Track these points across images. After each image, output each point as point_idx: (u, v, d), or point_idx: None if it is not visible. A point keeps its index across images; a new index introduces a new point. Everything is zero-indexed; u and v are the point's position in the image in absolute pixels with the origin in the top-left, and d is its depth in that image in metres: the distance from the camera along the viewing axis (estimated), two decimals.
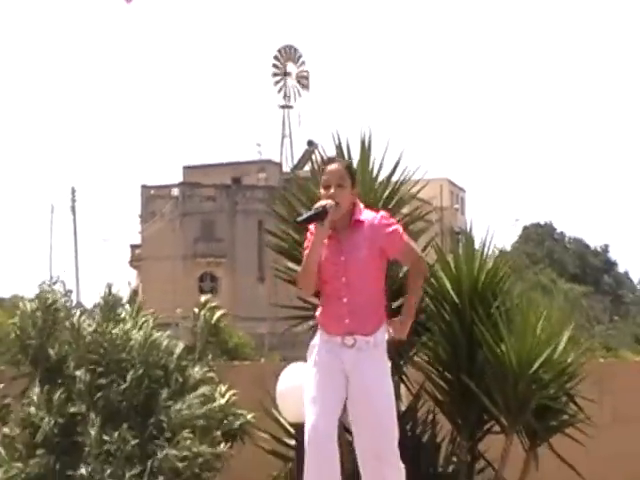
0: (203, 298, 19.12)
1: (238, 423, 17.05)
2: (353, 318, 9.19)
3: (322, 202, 9.21)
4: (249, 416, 17.12)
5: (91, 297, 18.82)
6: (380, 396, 9.30)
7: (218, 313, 18.19)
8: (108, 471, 16.46)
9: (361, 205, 9.63)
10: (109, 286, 18.26)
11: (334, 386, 9.19)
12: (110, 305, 18.00)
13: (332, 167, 9.53)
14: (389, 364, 9.49)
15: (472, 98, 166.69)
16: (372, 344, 9.24)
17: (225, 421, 17.02)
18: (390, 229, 9.41)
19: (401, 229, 9.61)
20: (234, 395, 17.10)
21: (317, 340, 9.42)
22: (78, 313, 18.22)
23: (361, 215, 9.46)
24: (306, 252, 9.32)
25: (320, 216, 9.08)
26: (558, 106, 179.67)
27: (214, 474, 16.55)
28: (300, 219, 9.49)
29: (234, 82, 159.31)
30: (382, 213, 9.71)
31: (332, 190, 9.26)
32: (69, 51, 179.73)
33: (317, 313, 9.60)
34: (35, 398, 17.32)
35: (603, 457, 16.48)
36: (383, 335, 9.36)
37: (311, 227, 9.36)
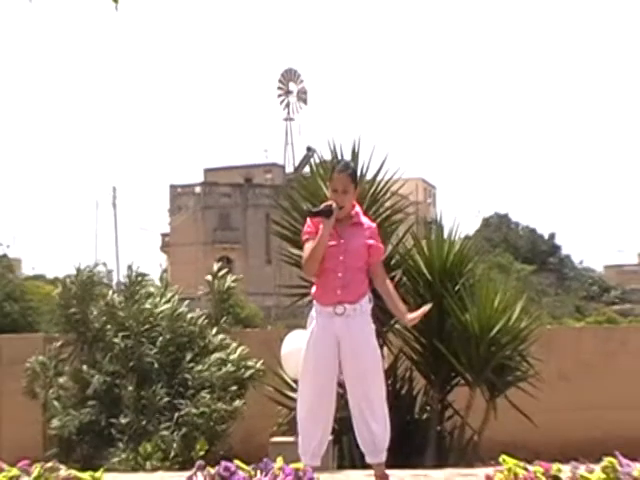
0: (215, 267, 19.09)
1: (249, 372, 17.08)
2: (344, 290, 9.21)
3: (329, 202, 9.26)
4: (258, 364, 17.12)
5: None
6: (367, 352, 9.30)
7: (229, 280, 18.24)
8: (143, 422, 16.43)
9: (357, 207, 9.64)
10: (130, 267, 18.29)
11: (331, 357, 9.20)
12: (133, 282, 17.99)
13: (340, 175, 9.53)
14: (373, 327, 9.46)
15: (444, 110, 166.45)
16: (359, 311, 9.26)
17: (238, 372, 17.05)
18: (380, 245, 9.57)
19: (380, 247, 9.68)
20: (245, 351, 17.14)
21: (313, 312, 9.39)
22: (111, 290, 18.26)
23: (361, 218, 9.54)
24: (305, 237, 9.39)
25: (327, 214, 9.12)
26: (512, 113, 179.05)
27: (228, 426, 16.53)
28: (313, 211, 9.51)
29: (247, 99, 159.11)
30: (373, 224, 9.78)
31: (338, 194, 9.31)
32: (115, 70, 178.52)
33: (312, 289, 9.55)
34: (84, 359, 17.33)
35: (550, 407, 16.41)
36: (367, 304, 9.38)
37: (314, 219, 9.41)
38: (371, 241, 9.42)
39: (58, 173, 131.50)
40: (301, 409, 9.33)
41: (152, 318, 17.41)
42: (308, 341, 9.40)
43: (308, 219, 9.56)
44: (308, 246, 9.31)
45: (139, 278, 18.02)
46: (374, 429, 9.24)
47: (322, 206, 9.31)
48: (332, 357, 9.19)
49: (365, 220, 9.63)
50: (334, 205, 9.20)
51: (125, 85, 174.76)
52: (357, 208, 9.63)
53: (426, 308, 9.85)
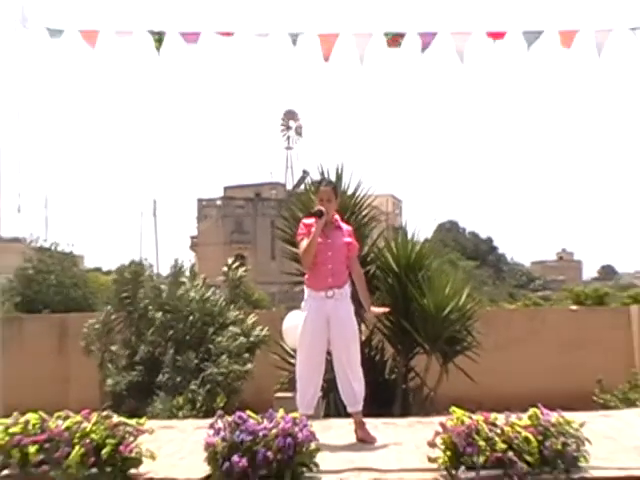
0: (230, 260, 19.52)
1: (258, 338, 17.24)
2: (333, 278, 9.36)
3: (320, 207, 9.45)
4: (264, 332, 17.48)
5: (166, 269, 19.36)
6: (350, 328, 9.47)
7: (240, 271, 18.58)
8: (178, 379, 16.45)
9: (337, 216, 9.79)
10: (175, 260, 18.67)
11: (322, 330, 9.27)
12: (176, 271, 18.29)
13: (325, 188, 9.80)
14: (352, 307, 9.55)
15: (409, 142, 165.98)
16: (344, 294, 9.42)
17: (249, 340, 17.18)
18: (355, 243, 9.78)
19: (355, 244, 9.84)
20: (252, 320, 17.35)
21: (306, 296, 9.46)
22: (155, 278, 18.46)
23: (340, 223, 9.71)
24: (300, 237, 9.54)
25: (319, 214, 9.35)
26: (458, 142, 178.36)
27: (241, 384, 16.60)
28: (310, 212, 9.66)
29: (257, 133, 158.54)
30: (350, 228, 9.90)
31: (324, 202, 9.51)
32: (157, 111, 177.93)
33: (305, 278, 9.62)
34: (132, 330, 17.40)
35: (488, 370, 16.39)
36: (348, 288, 9.52)
37: (304, 221, 9.65)
38: (349, 239, 9.57)
39: (114, 189, 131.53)
40: (299, 371, 9.36)
41: (185, 300, 17.54)
42: (305, 319, 9.45)
43: (301, 223, 9.69)
44: (303, 243, 9.42)
45: (181, 269, 18.35)
46: (354, 386, 9.32)
47: (316, 209, 9.50)
48: (324, 332, 9.25)
49: (343, 225, 9.76)
50: (323, 209, 9.38)
51: (164, 122, 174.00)
52: (337, 216, 9.77)
53: (385, 310, 10.44)
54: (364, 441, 8.95)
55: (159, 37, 8.97)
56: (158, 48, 9.01)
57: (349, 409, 9.33)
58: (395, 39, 9.25)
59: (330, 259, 9.40)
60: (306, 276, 9.71)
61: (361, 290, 9.81)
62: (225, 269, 18.96)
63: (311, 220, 9.48)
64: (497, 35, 9.00)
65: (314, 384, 9.37)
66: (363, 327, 15.98)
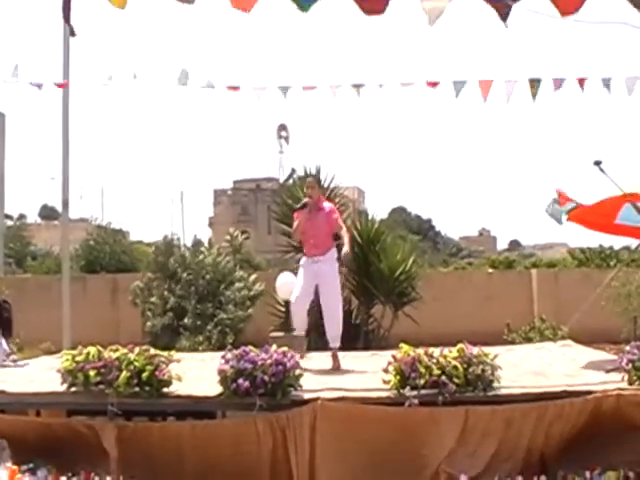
0: (231, 229, 19.77)
1: (258, 291, 17.32)
2: (316, 249, 9.25)
3: (306, 200, 9.35)
4: (262, 287, 17.68)
5: (190, 242, 19.75)
6: (334, 283, 9.41)
7: (241, 238, 18.77)
8: (198, 322, 16.47)
9: (323, 200, 9.74)
10: (195, 236, 18.88)
11: (310, 282, 9.21)
12: (196, 243, 18.41)
13: (309, 180, 9.86)
14: (337, 266, 9.54)
15: (372, 144, 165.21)
16: (328, 258, 9.30)
17: (251, 292, 17.24)
18: (335, 215, 9.47)
19: (338, 215, 9.63)
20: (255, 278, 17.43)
21: (302, 261, 9.47)
22: (182, 248, 18.49)
23: (323, 204, 9.49)
24: (296, 223, 9.38)
25: (306, 206, 9.25)
26: (412, 142, 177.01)
27: (244, 325, 16.61)
28: (299, 205, 9.53)
29: (259, 141, 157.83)
30: (331, 205, 9.77)
31: (310, 192, 9.40)
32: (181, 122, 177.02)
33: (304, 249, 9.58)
34: (165, 287, 17.39)
35: (428, 317, 16.44)
36: (333, 254, 9.41)
37: (295, 210, 9.59)
38: (331, 215, 9.40)
39: (152, 181, 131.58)
40: (294, 305, 9.37)
41: (203, 264, 17.55)
42: (299, 273, 9.47)
43: (294, 212, 9.65)
44: (295, 224, 9.39)
45: (200, 242, 18.55)
46: (338, 325, 9.31)
47: (303, 202, 9.42)
48: (311, 281, 9.21)
49: (326, 204, 9.60)
50: (309, 202, 9.26)
51: (191, 130, 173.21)
52: (323, 200, 9.70)
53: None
54: (336, 368, 8.96)
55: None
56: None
57: (331, 344, 9.24)
58: None
59: (313, 235, 9.27)
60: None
61: (344, 244, 9.64)
62: (228, 237, 19.04)
63: (299, 209, 9.47)
64: None
65: (303, 317, 9.45)
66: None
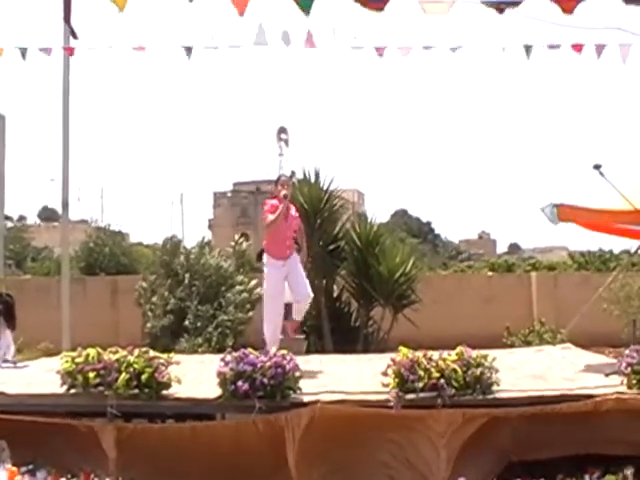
0: (236, 236, 19.82)
1: (258, 294, 17.36)
2: (290, 250, 9.52)
3: (284, 192, 9.37)
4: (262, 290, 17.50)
5: (190, 244, 19.81)
6: (302, 276, 9.65)
7: (244, 245, 18.69)
8: (198, 324, 16.45)
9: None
10: (203, 238, 18.89)
11: (280, 287, 9.46)
12: (200, 245, 18.38)
13: (285, 179, 9.84)
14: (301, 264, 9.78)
15: (372, 146, 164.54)
16: (293, 256, 9.54)
17: (251, 296, 17.23)
18: (299, 220, 9.90)
19: (300, 222, 9.97)
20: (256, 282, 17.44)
21: (270, 265, 9.54)
22: (185, 250, 18.48)
23: (293, 209, 9.77)
24: (270, 216, 9.35)
25: (285, 197, 9.33)
26: (415, 145, 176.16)
27: (244, 327, 16.60)
28: (280, 195, 9.40)
29: (260, 144, 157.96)
30: (294, 209, 9.95)
31: (287, 191, 9.45)
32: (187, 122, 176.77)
33: (265, 246, 9.69)
34: (166, 288, 17.39)
35: (428, 319, 16.39)
36: (297, 254, 9.66)
37: (270, 201, 9.55)
38: (297, 219, 9.81)
39: (152, 183, 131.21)
40: (268, 318, 9.68)
41: (205, 266, 17.55)
42: (268, 280, 9.69)
43: (268, 202, 9.60)
44: (270, 216, 9.37)
45: (204, 244, 18.53)
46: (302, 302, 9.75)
47: (283, 193, 9.35)
48: (283, 288, 9.57)
49: (292, 207, 9.82)
50: (287, 194, 9.41)
51: (190, 133, 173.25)
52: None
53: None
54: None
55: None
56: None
57: (297, 317, 9.99)
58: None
59: (288, 236, 9.47)
60: (266, 244, 9.66)
61: (303, 248, 10.00)
62: (232, 244, 19.06)
63: (274, 201, 9.44)
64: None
65: (279, 326, 9.71)
66: (335, 287, 16.08)
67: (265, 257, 9.64)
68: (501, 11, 7.26)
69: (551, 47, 8.04)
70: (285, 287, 9.55)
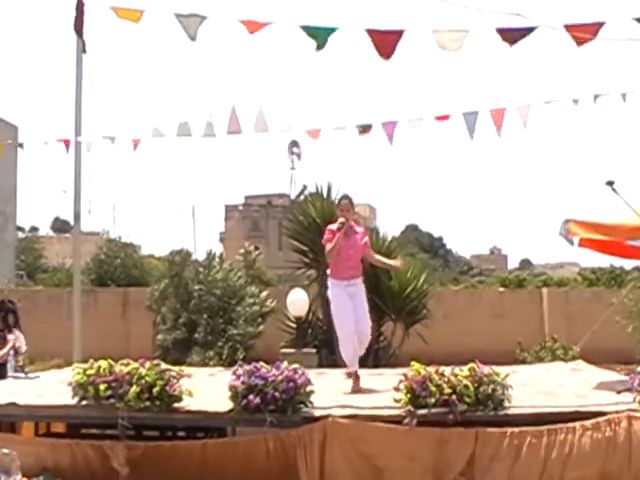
0: (246, 244, 19.84)
1: (269, 308, 17.33)
2: (353, 270, 8.87)
3: (341, 220, 8.83)
4: (273, 303, 17.69)
5: (201, 257, 19.85)
6: (364, 306, 8.86)
7: (254, 254, 18.73)
8: (209, 337, 16.48)
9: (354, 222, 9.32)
10: (210, 250, 18.81)
11: (350, 306, 8.68)
12: (210, 258, 18.40)
13: (344, 202, 9.17)
14: (364, 290, 8.99)
15: (384, 163, 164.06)
16: (358, 283, 8.90)
17: (262, 309, 17.24)
18: (366, 238, 9.10)
19: (368, 242, 9.24)
20: (267, 294, 17.38)
21: (332, 285, 8.88)
22: (195, 263, 18.52)
23: (357, 228, 9.10)
24: (333, 242, 8.79)
25: (341, 226, 8.74)
26: (424, 163, 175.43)
27: (255, 341, 16.62)
28: (335, 226, 8.84)
29: (271, 158, 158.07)
30: (363, 229, 9.34)
31: (344, 213, 8.93)
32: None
33: (329, 270, 9.02)
34: (177, 300, 17.45)
35: (439, 334, 16.40)
36: (361, 279, 9.00)
37: (329, 227, 8.99)
38: (364, 239, 9.05)
39: (164, 196, 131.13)
40: (344, 340, 8.82)
41: (215, 279, 17.58)
42: (335, 302, 8.91)
43: (327, 229, 9.06)
44: (329, 245, 8.84)
45: (213, 257, 18.50)
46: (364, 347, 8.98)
47: (339, 222, 8.83)
48: (351, 308, 8.72)
49: (358, 228, 9.17)
50: (345, 222, 8.81)
51: (202, 149, 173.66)
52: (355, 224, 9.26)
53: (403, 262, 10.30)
54: (356, 391, 8.68)
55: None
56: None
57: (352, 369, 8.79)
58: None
59: (351, 257, 8.89)
60: (330, 269, 9.05)
61: (383, 264, 9.64)
62: (242, 251, 19.10)
63: (334, 226, 8.91)
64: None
65: (356, 344, 8.78)
66: None
67: (328, 281, 9.10)
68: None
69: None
70: (352, 306, 8.81)
